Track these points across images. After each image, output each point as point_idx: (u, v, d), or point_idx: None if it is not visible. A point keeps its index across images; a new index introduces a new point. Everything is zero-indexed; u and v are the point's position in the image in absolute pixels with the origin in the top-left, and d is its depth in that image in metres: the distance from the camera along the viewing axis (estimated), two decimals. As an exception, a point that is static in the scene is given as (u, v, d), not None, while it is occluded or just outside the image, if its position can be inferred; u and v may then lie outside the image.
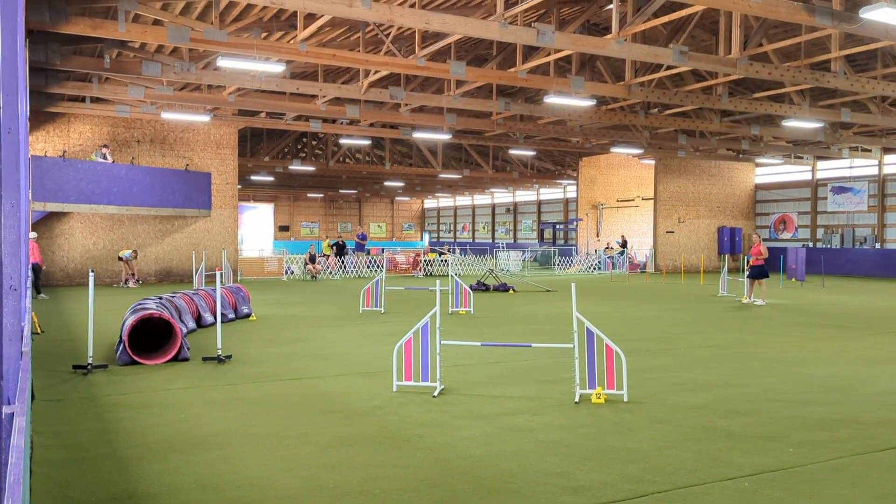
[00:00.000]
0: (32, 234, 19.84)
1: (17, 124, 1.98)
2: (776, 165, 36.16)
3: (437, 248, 38.88)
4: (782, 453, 5.56)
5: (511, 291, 21.41)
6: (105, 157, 22.38)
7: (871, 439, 5.97)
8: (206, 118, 23.20)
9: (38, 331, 12.20)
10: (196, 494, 4.63)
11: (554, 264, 35.30)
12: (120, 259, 23.30)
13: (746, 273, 18.80)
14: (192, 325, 12.20)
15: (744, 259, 23.01)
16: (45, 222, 22.82)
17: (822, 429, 6.30)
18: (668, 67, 17.82)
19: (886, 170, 32.38)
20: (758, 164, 37.20)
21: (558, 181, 47.24)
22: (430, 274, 30.17)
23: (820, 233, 35.02)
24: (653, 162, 35.38)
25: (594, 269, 34.19)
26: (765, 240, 29.56)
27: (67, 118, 23.32)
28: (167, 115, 22.42)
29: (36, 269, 18.89)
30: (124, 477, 5.00)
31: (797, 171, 36.00)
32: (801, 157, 34.52)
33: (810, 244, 34.97)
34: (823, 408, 7.09)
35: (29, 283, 18.84)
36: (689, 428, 6.30)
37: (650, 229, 36.66)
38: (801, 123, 23.01)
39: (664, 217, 35.03)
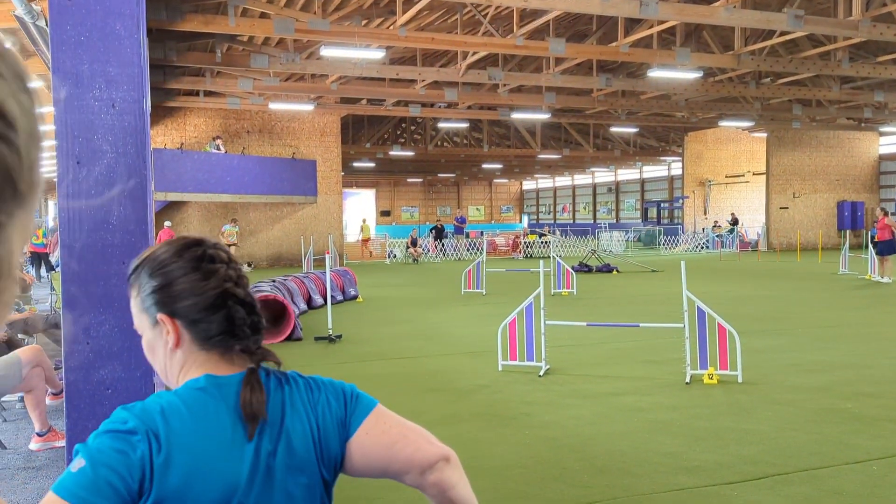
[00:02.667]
0: (167, 223, 21.24)
1: (143, 122, 2.14)
2: (903, 133, 33.59)
3: (536, 230, 38.64)
4: (915, 438, 5.24)
5: (614, 272, 21.03)
6: (218, 148, 23.55)
7: None
8: (310, 107, 23.95)
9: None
10: (316, 465, 4.86)
11: (659, 244, 34.33)
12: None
13: (872, 249, 17.65)
14: (303, 306, 12.72)
15: (866, 235, 21.60)
16: (165, 212, 24.29)
17: (960, 413, 5.88)
18: (782, 33, 16.87)
19: None
20: (882, 133, 34.64)
21: (662, 158, 45.76)
22: (531, 256, 30.03)
23: (954, 205, 32.33)
24: (764, 135, 33.64)
25: (702, 248, 33.00)
26: (892, 214, 27.57)
27: (183, 112, 24.65)
28: (274, 106, 23.30)
29: None
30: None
31: (927, 139, 33.34)
32: (932, 124, 31.90)
33: (943, 217, 32.34)
34: (961, 391, 6.61)
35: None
36: (810, 410, 6.03)
37: (762, 205, 34.96)
38: (933, 87, 21.25)
39: (777, 192, 33.29)
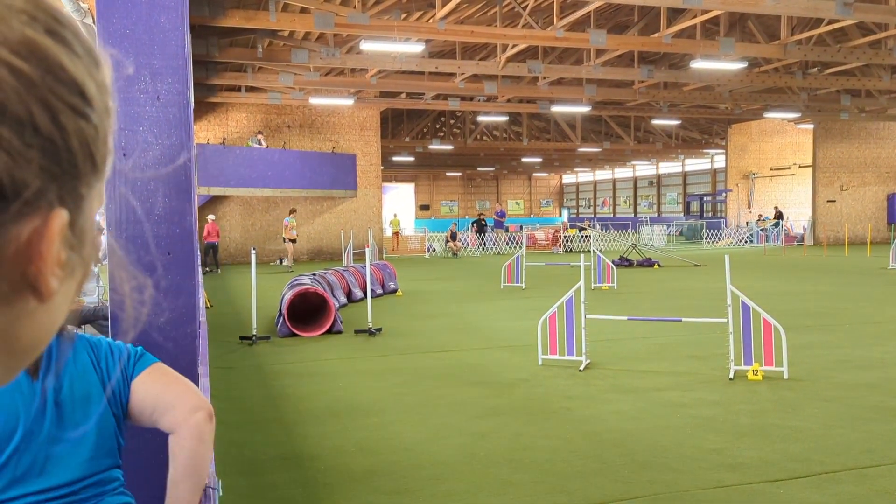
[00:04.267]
0: (210, 217, 21.66)
1: (186, 114, 2.17)
2: (959, 124, 32.42)
3: (576, 224, 38.32)
4: (972, 438, 5.05)
5: (656, 267, 20.75)
6: (260, 143, 23.86)
7: None
8: (349, 101, 24.09)
9: (209, 305, 13.29)
10: (355, 457, 4.90)
11: (701, 238, 33.74)
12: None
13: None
14: (343, 299, 12.82)
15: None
16: (208, 205, 24.71)
17: None
18: (830, 22, 16.40)
19: None
20: (936, 124, 33.49)
21: (705, 151, 44.91)
22: (570, 250, 29.80)
23: None
24: (811, 126, 32.78)
25: (746, 242, 32.35)
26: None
27: (225, 107, 25.02)
28: (314, 101, 23.50)
29: (215, 247, 21.02)
30: (290, 439, 5.37)
31: (985, 130, 32.11)
32: None
33: None
34: None
35: (206, 261, 20.71)
36: (860, 407, 5.86)
37: (808, 199, 34.08)
38: None
39: (824, 185, 32.42)
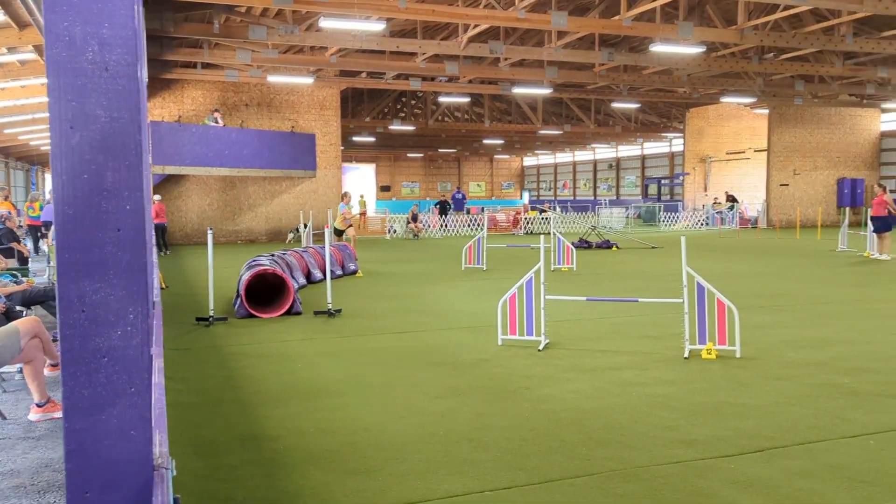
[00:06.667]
0: (156, 197, 21.20)
1: (137, 86, 2.10)
2: (906, 110, 33.40)
3: (537, 206, 38.54)
4: (913, 413, 5.25)
5: (614, 248, 21.01)
6: (217, 121, 23.39)
7: None
8: (309, 80, 23.74)
9: (164, 286, 13.05)
10: (315, 438, 4.88)
11: (659, 220, 34.28)
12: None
13: (870, 227, 17.63)
14: (302, 280, 12.71)
15: (866, 212, 21.56)
16: (163, 185, 24.19)
17: (958, 389, 5.89)
18: (786, 8, 16.67)
19: None
20: (884, 110, 34.43)
21: (663, 134, 45.53)
22: (531, 232, 29.99)
23: (955, 183, 32.24)
24: (766, 111, 33.44)
25: (702, 224, 32.96)
26: (891, 191, 27.48)
27: (181, 84, 24.44)
28: (273, 78, 23.10)
29: (163, 228, 20.53)
30: (249, 420, 5.32)
31: (930, 117, 33.15)
32: (936, 101, 31.71)
33: (944, 195, 32.27)
34: (960, 367, 6.62)
35: (155, 242, 20.26)
36: (808, 385, 6.04)
37: (762, 182, 34.84)
38: (937, 63, 21.08)
39: (778, 169, 33.17)
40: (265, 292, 10.67)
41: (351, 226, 17.86)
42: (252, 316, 9.70)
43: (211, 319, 9.30)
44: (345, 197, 18.38)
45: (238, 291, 10.02)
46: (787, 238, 25.31)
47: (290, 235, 24.74)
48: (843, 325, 8.78)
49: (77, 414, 2.07)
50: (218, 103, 24.79)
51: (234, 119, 25.04)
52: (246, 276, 9.92)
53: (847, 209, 29.95)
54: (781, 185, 33.16)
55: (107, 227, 2.05)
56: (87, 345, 2.06)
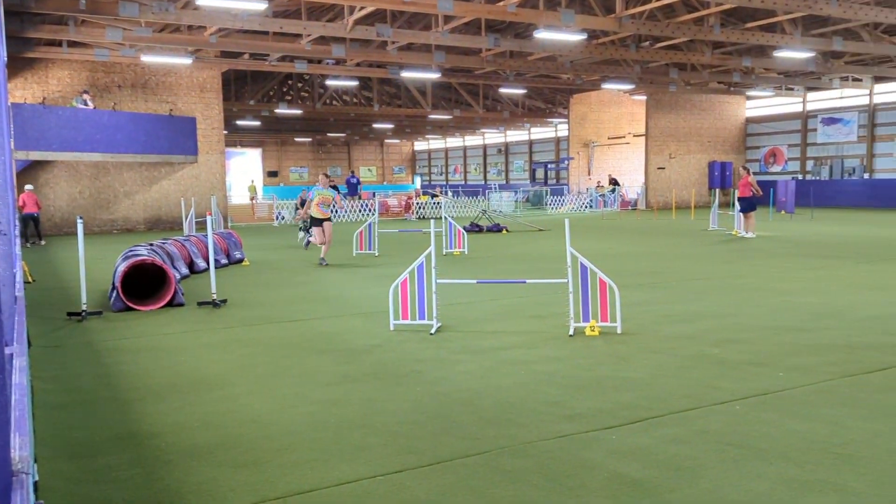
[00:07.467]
0: (28, 187, 19.73)
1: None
2: (767, 98, 35.90)
3: (429, 191, 38.72)
4: (773, 378, 5.67)
5: (504, 232, 21.44)
6: (86, 104, 21.96)
7: (860, 362, 6.09)
8: (187, 61, 22.70)
9: (30, 279, 12.17)
10: (199, 432, 4.70)
11: (546, 204, 35.26)
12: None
13: (737, 207, 18.86)
14: (184, 270, 12.20)
15: (733, 193, 23.16)
16: (29, 172, 22.51)
17: (811, 354, 6.41)
18: (660, -2, 17.46)
19: (877, 99, 32.20)
20: (748, 97, 36.90)
21: (549, 120, 46.78)
22: (423, 217, 30.11)
23: (810, 165, 35.03)
24: (644, 97, 35.02)
25: (586, 207, 34.19)
26: (755, 173, 29.54)
27: (45, 64, 22.77)
28: (147, 58, 21.92)
29: (35, 218, 19.14)
30: (126, 417, 5.06)
31: (788, 104, 35.77)
32: (792, 89, 34.25)
33: (800, 176, 35.01)
34: (813, 334, 7.21)
35: (26, 233, 18.82)
36: (682, 357, 6.40)
37: (642, 166, 36.53)
38: (793, 53, 22.75)
39: (655, 153, 34.88)
40: (144, 284, 10.16)
41: (329, 218, 14.18)
42: (130, 309, 9.22)
43: (84, 314, 8.76)
44: (324, 179, 14.48)
45: (114, 283, 9.48)
46: (664, 219, 26.69)
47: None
48: (714, 299, 9.36)
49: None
50: (87, 84, 23.28)
51: (106, 101, 23.61)
52: (122, 267, 9.40)
53: (717, 191, 31.94)
54: (658, 168, 34.89)
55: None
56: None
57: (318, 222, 14.04)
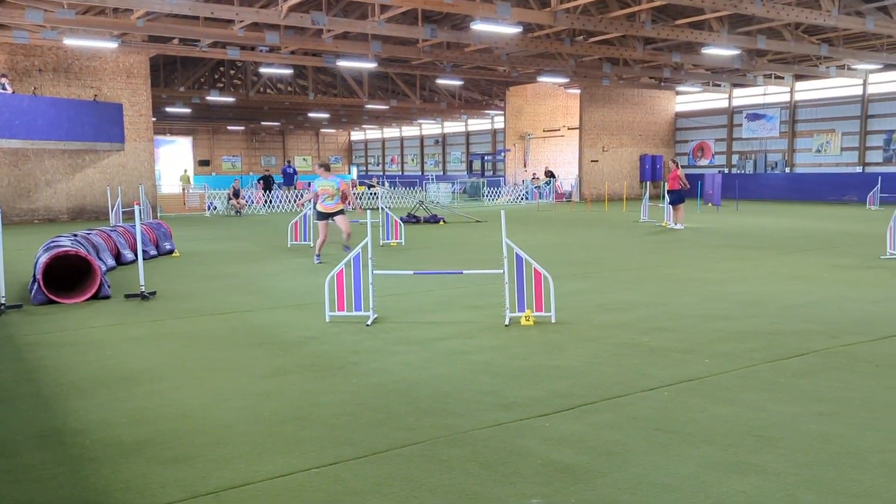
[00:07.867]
0: None
1: None
2: (695, 94, 37.02)
3: (365, 182, 38.43)
4: (699, 364, 5.87)
5: (441, 223, 21.48)
6: (4, 88, 20.90)
7: (781, 348, 6.37)
8: (113, 45, 21.87)
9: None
10: (127, 428, 4.56)
11: (483, 195, 35.49)
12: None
13: (666, 200, 19.40)
14: (111, 262, 11.79)
15: (663, 186, 23.85)
16: (-58, 159, 21.33)
17: (736, 341, 6.67)
18: (594, -7, 17.73)
19: (797, 96, 33.59)
20: (678, 93, 37.96)
21: (486, 112, 47.03)
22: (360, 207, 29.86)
23: (735, 159, 36.32)
24: (578, 91, 35.58)
25: (522, 199, 34.57)
26: (683, 166, 30.44)
27: (-41, 45, 21.57)
28: (70, 42, 21.01)
29: None
30: (50, 414, 4.87)
31: (715, 99, 36.95)
32: (719, 86, 35.40)
33: (726, 170, 36.26)
34: (738, 322, 7.49)
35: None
36: (614, 345, 6.56)
37: (576, 159, 37.15)
38: (720, 51, 23.49)
39: (589, 146, 35.51)
40: (68, 276, 9.77)
41: (342, 211, 13.17)
42: (52, 302, 8.85)
43: (1, 307, 8.37)
44: (323, 168, 13.48)
45: (35, 275, 9.09)
46: (598, 211, 27.24)
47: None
48: (644, 288, 9.61)
49: None
50: (6, 68, 22.16)
51: (26, 85, 22.53)
52: (44, 259, 9.02)
53: (648, 183, 32.77)
54: (592, 161, 35.56)
55: None
56: None
57: (324, 217, 13.05)
